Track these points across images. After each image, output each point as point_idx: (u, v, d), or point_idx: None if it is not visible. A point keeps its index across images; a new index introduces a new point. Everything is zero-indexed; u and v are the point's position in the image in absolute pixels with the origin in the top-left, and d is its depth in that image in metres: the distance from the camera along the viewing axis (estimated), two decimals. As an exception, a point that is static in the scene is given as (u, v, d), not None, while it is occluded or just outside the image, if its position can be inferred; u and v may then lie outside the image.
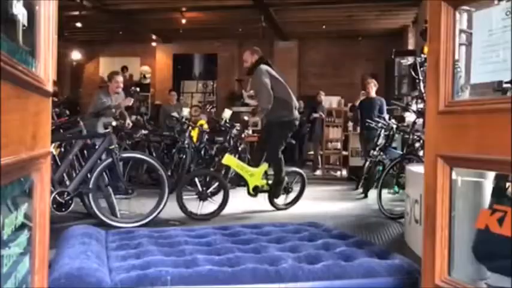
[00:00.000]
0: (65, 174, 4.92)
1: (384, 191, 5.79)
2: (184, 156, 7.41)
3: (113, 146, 4.59)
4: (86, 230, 2.84)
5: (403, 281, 2.20)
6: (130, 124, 6.78)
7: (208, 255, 2.38)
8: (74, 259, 2.14)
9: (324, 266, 2.23)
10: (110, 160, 4.59)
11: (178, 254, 2.43)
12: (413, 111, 6.51)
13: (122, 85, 6.18)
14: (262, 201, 5.65)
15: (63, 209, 4.36)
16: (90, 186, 4.51)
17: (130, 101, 6.06)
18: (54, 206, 4.27)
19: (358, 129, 8.65)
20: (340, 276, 2.18)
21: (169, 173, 7.07)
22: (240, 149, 7.85)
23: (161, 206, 4.72)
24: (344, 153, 9.96)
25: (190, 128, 7.75)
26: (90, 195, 4.52)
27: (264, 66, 5.82)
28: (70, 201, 4.40)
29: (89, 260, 2.18)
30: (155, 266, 2.17)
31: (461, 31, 2.25)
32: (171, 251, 2.49)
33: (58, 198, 4.31)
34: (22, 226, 1.20)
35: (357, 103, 8.69)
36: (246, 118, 8.74)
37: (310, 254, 2.43)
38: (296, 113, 5.92)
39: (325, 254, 2.42)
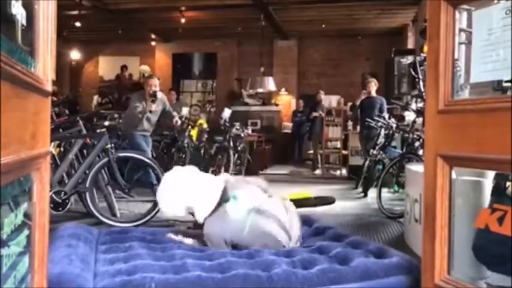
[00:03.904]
0: (64, 174, 4.92)
1: (384, 190, 5.79)
2: (183, 156, 7.42)
3: (109, 146, 4.61)
4: (75, 230, 2.71)
5: (402, 280, 2.14)
6: (179, 122, 6.80)
7: (199, 260, 2.30)
8: (55, 264, 2.01)
9: (319, 271, 2.14)
10: (106, 159, 4.61)
11: (169, 258, 2.34)
12: (413, 110, 6.51)
13: (155, 88, 6.18)
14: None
15: (60, 208, 4.36)
16: (87, 185, 4.52)
17: (151, 106, 6.07)
18: (51, 205, 4.27)
19: (358, 128, 8.65)
20: (336, 281, 2.11)
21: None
22: (239, 148, 7.87)
23: (159, 206, 4.71)
24: (344, 152, 9.97)
25: (189, 127, 7.75)
26: (87, 194, 4.53)
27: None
28: (67, 201, 4.40)
29: (71, 264, 2.07)
30: (142, 271, 2.09)
31: (460, 30, 2.25)
32: (161, 255, 2.40)
33: (55, 197, 4.31)
34: (22, 225, 1.20)
35: (358, 102, 8.70)
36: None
37: (305, 258, 2.35)
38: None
39: (320, 258, 2.34)
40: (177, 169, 3.03)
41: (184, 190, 2.79)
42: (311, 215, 3.46)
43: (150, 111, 6.13)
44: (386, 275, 2.14)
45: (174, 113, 6.67)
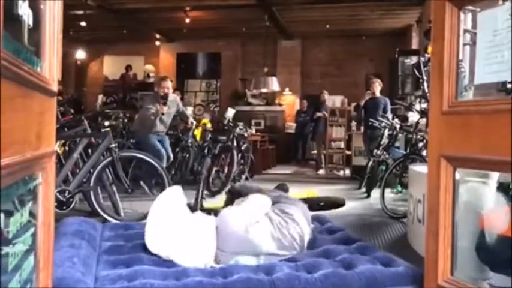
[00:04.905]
0: (69, 173, 4.94)
1: (387, 191, 5.77)
2: (187, 155, 7.43)
3: (112, 145, 4.63)
4: (79, 226, 2.64)
5: None
6: (194, 123, 6.82)
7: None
8: (58, 266, 1.96)
9: (323, 276, 2.10)
10: (109, 159, 4.63)
11: (170, 264, 2.29)
12: (417, 111, 6.50)
13: (167, 90, 6.16)
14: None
15: (65, 207, 4.38)
16: (91, 184, 4.55)
17: (163, 109, 6.07)
18: (55, 204, 4.29)
19: (362, 128, 8.64)
20: (340, 286, 2.07)
21: (172, 172, 7.08)
22: (243, 148, 7.87)
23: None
24: (347, 152, 9.95)
25: (193, 127, 7.76)
26: (91, 193, 4.55)
27: None
28: (71, 199, 4.43)
29: (73, 268, 2.03)
30: (143, 276, 2.06)
31: (465, 31, 2.24)
32: (164, 260, 2.34)
33: (59, 196, 4.33)
34: (27, 225, 1.21)
35: (362, 102, 8.70)
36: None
37: (309, 262, 2.30)
38: None
39: (325, 262, 2.30)
40: (163, 200, 2.60)
41: (171, 237, 2.41)
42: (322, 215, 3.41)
43: (163, 114, 6.11)
44: (392, 284, 2.11)
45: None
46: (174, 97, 6.51)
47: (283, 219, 2.56)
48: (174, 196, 2.65)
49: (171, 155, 6.56)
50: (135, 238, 2.69)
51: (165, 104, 6.09)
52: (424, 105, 6.39)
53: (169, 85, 6.24)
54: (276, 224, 2.50)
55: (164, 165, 6.11)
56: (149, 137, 6.18)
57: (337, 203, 4.49)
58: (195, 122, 6.94)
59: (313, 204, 4.24)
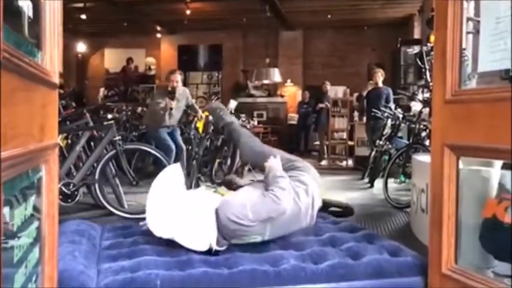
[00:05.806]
0: (72, 166, 4.95)
1: (390, 181, 5.78)
2: (190, 147, 7.43)
3: (116, 138, 4.63)
4: (78, 226, 2.64)
5: (415, 280, 2.06)
6: (203, 116, 6.85)
7: (205, 255, 2.23)
8: (59, 260, 1.91)
9: (329, 267, 2.08)
10: (113, 151, 4.64)
11: (174, 254, 2.24)
12: (420, 101, 6.48)
13: (175, 84, 6.13)
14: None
15: (69, 200, 4.40)
16: (96, 177, 4.56)
17: (171, 104, 6.05)
18: (60, 197, 4.30)
19: (364, 118, 8.62)
20: (347, 277, 2.04)
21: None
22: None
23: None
24: (350, 143, 9.94)
25: (196, 119, 7.75)
26: (96, 185, 4.57)
27: None
28: (76, 192, 4.44)
29: (74, 261, 2.02)
30: (146, 267, 2.03)
31: (468, 19, 2.23)
32: (166, 250, 2.29)
33: (64, 189, 4.35)
34: (31, 217, 1.21)
35: (365, 93, 8.66)
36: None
37: (315, 251, 2.27)
38: None
39: (331, 252, 2.26)
40: (161, 180, 2.56)
41: (172, 217, 2.34)
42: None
43: (171, 108, 6.09)
44: (399, 274, 2.08)
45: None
46: (183, 90, 6.49)
47: (294, 190, 2.46)
48: (172, 175, 2.56)
49: (183, 146, 6.59)
50: (136, 234, 2.65)
51: (172, 98, 6.06)
52: (427, 95, 6.36)
53: (177, 78, 6.20)
54: (291, 209, 2.40)
55: (173, 158, 6.13)
56: (159, 131, 6.18)
57: (348, 209, 4.21)
58: (204, 116, 6.94)
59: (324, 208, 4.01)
